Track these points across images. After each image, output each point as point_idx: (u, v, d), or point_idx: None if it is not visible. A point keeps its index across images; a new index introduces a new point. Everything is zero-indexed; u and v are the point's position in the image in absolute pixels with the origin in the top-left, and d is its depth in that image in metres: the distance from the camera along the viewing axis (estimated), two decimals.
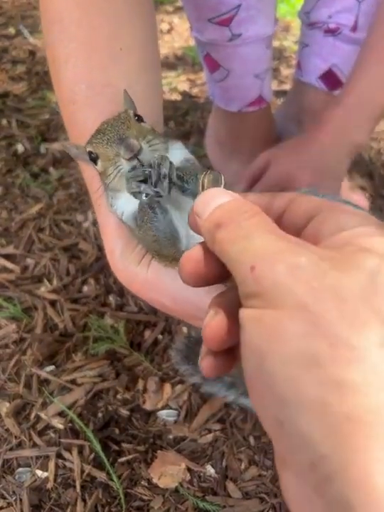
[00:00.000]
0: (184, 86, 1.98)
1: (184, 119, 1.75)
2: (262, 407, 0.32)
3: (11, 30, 2.37)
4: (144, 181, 0.55)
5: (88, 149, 0.60)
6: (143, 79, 0.69)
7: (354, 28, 1.12)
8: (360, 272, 0.30)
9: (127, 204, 0.60)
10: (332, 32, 1.14)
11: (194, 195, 0.58)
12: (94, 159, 0.60)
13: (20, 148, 1.63)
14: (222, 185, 0.42)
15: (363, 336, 0.28)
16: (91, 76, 0.66)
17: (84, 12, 0.66)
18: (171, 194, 0.55)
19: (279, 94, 1.87)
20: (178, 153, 0.61)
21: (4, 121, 1.76)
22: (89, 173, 0.68)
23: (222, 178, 0.43)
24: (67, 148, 0.65)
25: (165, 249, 0.59)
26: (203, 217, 0.38)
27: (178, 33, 2.37)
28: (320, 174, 1.02)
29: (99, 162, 0.60)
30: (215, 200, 0.38)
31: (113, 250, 0.67)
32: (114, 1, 0.67)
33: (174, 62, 2.15)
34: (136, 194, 0.55)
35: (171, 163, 0.54)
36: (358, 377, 0.28)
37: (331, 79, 1.20)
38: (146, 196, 0.55)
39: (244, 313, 0.33)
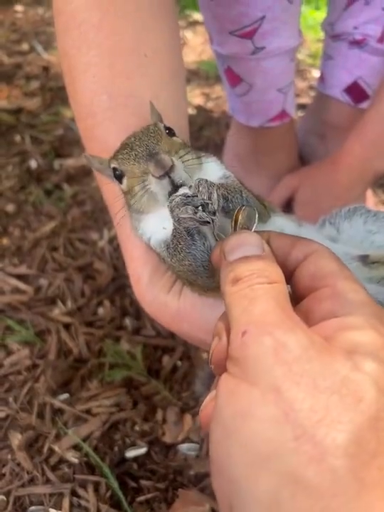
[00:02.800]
0: (199, 100, 1.95)
1: (199, 134, 1.72)
2: (218, 484, 0.32)
3: (25, 47, 2.37)
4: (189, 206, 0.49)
5: (112, 165, 0.54)
6: (169, 87, 0.64)
7: (381, 39, 1.08)
8: (340, 368, 0.30)
9: (156, 228, 0.54)
10: (358, 44, 1.10)
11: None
12: (118, 176, 0.54)
13: (33, 164, 1.61)
14: (255, 224, 0.43)
15: (329, 435, 0.28)
16: (113, 86, 0.61)
17: (106, 15, 0.60)
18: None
19: (295, 107, 1.83)
20: (214, 170, 0.55)
21: (18, 137, 1.74)
22: (110, 191, 0.62)
23: (256, 216, 0.43)
24: (90, 160, 0.59)
25: (201, 279, 0.53)
26: (228, 259, 0.39)
27: (191, 48, 2.35)
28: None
29: (125, 180, 0.54)
30: (244, 248, 0.39)
31: (140, 278, 0.61)
32: (138, 4, 0.61)
33: (188, 77, 2.12)
34: (182, 220, 0.49)
35: (217, 187, 0.49)
36: (315, 477, 0.27)
37: (356, 92, 1.16)
38: (202, 223, 0.48)
39: (222, 380, 0.34)
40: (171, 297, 0.59)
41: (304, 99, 1.90)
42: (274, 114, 1.11)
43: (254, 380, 0.31)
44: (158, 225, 0.54)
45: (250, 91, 1.07)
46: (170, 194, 0.50)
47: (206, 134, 1.72)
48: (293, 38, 1.01)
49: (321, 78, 1.23)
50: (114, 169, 0.54)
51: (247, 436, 0.30)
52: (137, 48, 0.61)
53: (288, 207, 1.15)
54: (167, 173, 0.48)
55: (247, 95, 1.08)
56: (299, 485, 0.27)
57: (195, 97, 1.96)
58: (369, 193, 1.23)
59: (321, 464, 0.27)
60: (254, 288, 0.35)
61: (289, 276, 0.40)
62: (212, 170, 0.55)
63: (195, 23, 2.53)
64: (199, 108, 1.88)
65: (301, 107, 1.80)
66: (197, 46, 2.35)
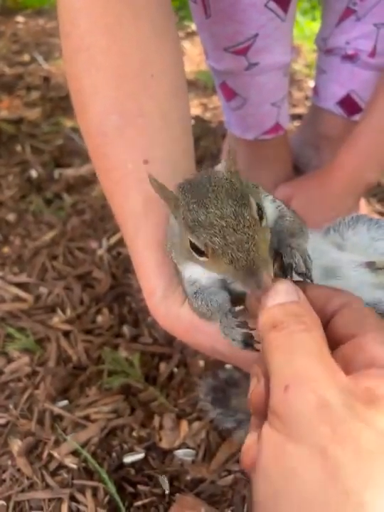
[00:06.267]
0: (197, 111, 1.98)
1: (197, 145, 1.74)
2: None
3: (26, 57, 2.41)
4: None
5: (192, 239, 0.47)
6: (174, 105, 0.67)
7: (373, 54, 1.11)
8: (383, 427, 0.31)
9: (197, 276, 0.56)
10: (350, 58, 1.13)
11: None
12: (196, 249, 0.47)
13: (33, 173, 1.64)
14: (292, 273, 0.44)
15: (375, 495, 0.29)
16: (122, 106, 0.63)
17: (113, 39, 0.62)
18: None
19: (291, 117, 1.86)
20: (271, 212, 0.54)
21: (18, 147, 1.77)
22: (121, 206, 0.64)
23: (294, 266, 0.44)
24: (153, 183, 0.51)
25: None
26: (265, 306, 0.40)
27: (189, 58, 2.39)
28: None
29: (203, 259, 0.47)
30: (280, 295, 0.40)
31: (153, 291, 0.62)
32: (143, 27, 0.64)
33: None
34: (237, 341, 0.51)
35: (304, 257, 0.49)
36: None
37: (349, 104, 1.19)
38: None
39: (266, 435, 0.35)
40: (185, 309, 0.60)
41: (300, 109, 1.93)
42: (268, 127, 1.14)
43: (300, 440, 0.32)
44: (196, 274, 0.55)
45: (245, 105, 1.10)
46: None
47: (203, 144, 1.75)
48: (285, 54, 1.04)
49: (315, 91, 1.27)
50: (193, 242, 0.47)
51: (295, 497, 0.31)
52: (144, 68, 0.64)
53: None
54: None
55: (242, 109, 1.11)
56: None
57: (193, 107, 1.99)
58: (362, 202, 1.25)
59: None
60: (293, 337, 0.36)
61: (326, 325, 0.41)
62: (269, 213, 0.54)
63: (193, 33, 2.57)
64: (197, 118, 1.91)
65: (298, 116, 1.83)
66: (195, 57, 2.39)
